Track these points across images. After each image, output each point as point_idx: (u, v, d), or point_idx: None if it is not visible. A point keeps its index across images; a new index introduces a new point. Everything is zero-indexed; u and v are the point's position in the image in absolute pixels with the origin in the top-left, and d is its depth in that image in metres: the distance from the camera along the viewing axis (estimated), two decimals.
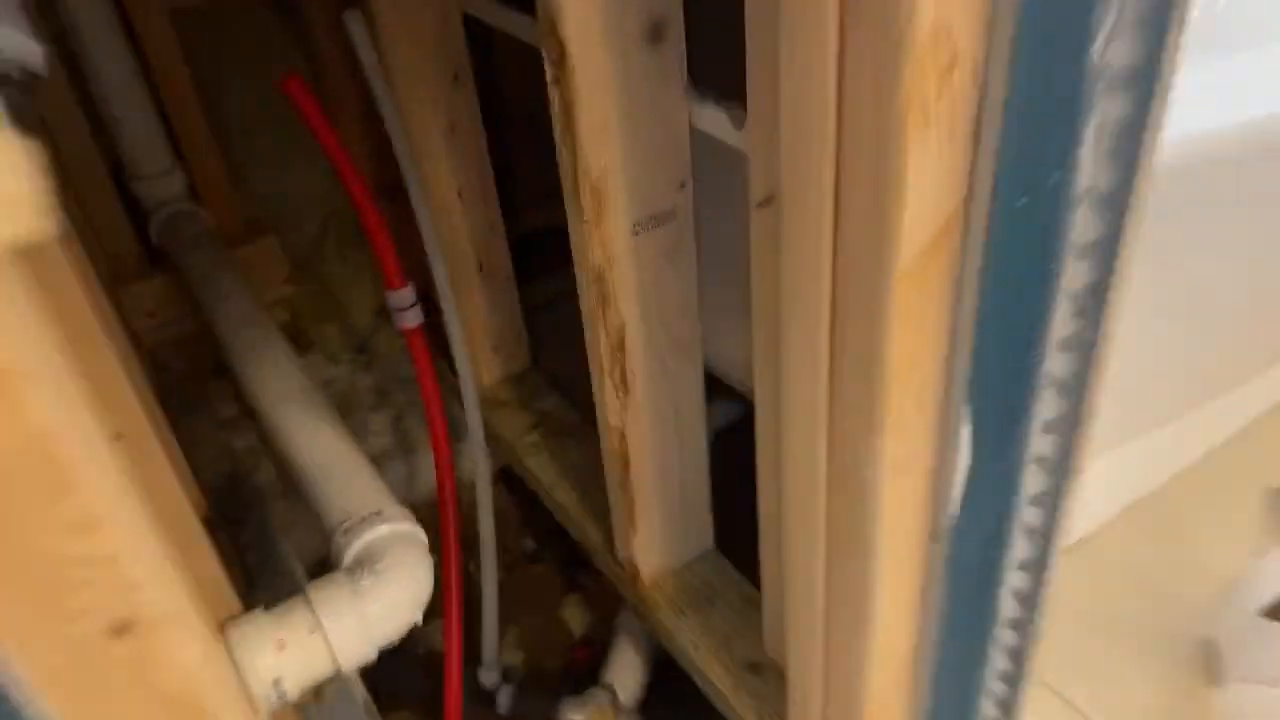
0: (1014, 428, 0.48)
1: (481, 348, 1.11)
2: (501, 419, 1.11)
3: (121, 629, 0.34)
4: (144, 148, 1.12)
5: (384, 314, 1.37)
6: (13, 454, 0.29)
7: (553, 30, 0.57)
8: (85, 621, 0.33)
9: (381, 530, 0.66)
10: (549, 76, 0.60)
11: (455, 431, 1.05)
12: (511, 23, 0.81)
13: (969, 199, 0.40)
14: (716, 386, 0.88)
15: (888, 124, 0.36)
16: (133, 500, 0.35)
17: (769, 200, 0.53)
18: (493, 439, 1.09)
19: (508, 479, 1.24)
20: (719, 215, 0.75)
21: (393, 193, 1.00)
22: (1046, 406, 0.48)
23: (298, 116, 0.66)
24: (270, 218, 1.26)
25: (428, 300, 0.92)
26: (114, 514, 0.32)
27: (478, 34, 0.95)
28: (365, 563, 0.63)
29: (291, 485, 0.83)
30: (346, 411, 1.25)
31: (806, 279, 0.45)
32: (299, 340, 1.31)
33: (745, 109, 0.58)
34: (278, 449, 0.82)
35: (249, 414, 1.23)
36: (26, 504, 0.30)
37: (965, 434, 0.46)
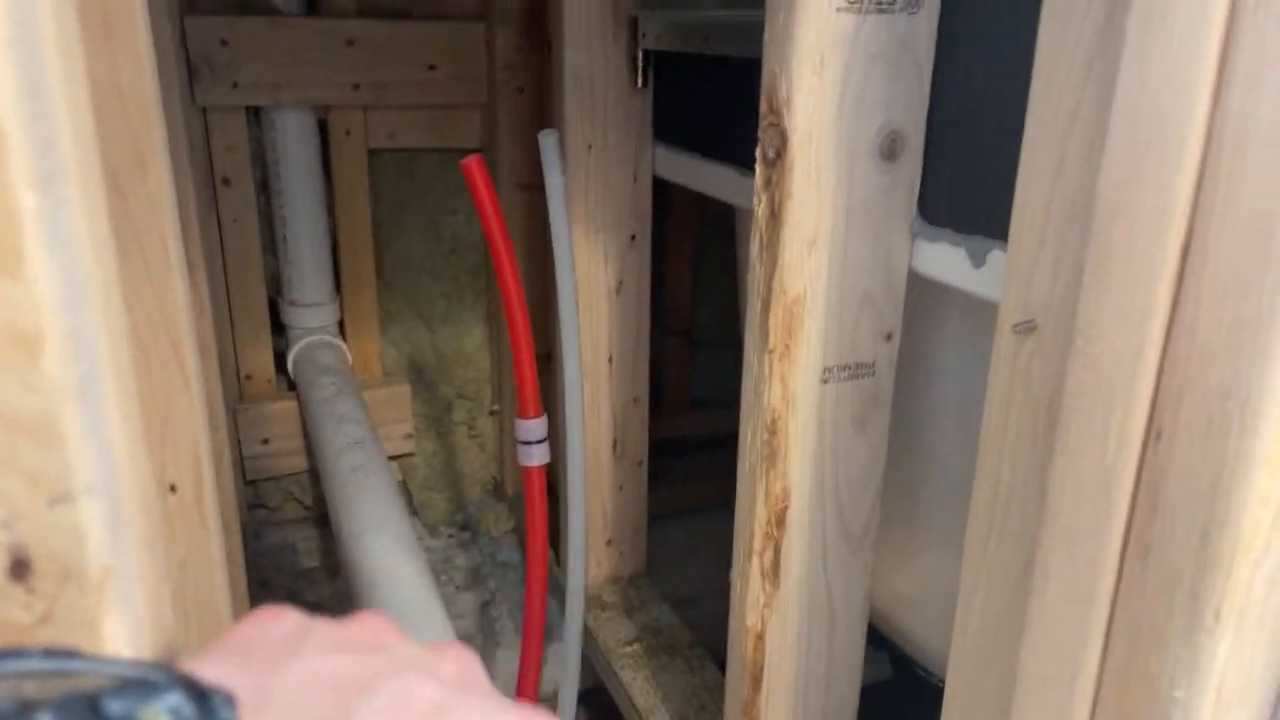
0: None
1: (597, 538, 0.99)
2: (600, 623, 0.96)
3: None
4: (309, 273, 1.11)
5: (497, 492, 1.27)
6: None
7: (777, 121, 0.50)
8: None
9: None
10: (759, 180, 0.53)
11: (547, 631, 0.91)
12: (712, 179, 0.76)
13: None
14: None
15: None
16: None
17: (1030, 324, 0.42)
18: (587, 643, 0.93)
19: (593, 698, 1.06)
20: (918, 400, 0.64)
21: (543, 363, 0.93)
22: None
23: (473, 196, 0.60)
24: (410, 370, 1.22)
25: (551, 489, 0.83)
26: None
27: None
28: None
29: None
30: None
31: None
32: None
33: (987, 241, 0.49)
34: (353, 576, 0.70)
35: (331, 570, 1.13)
36: None
37: None
